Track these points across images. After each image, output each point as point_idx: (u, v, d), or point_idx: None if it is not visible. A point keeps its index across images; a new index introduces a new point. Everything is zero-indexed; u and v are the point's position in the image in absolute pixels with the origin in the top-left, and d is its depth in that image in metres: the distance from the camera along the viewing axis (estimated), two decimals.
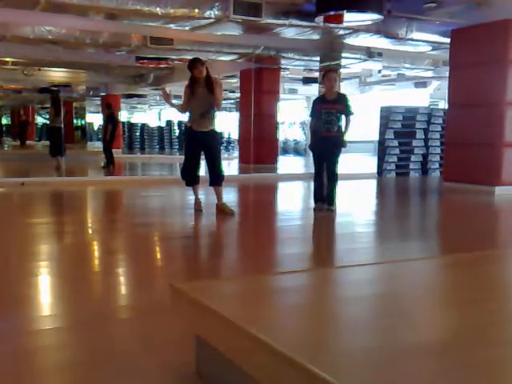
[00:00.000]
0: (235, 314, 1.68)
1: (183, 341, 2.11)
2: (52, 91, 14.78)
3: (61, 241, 4.71)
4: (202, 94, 5.75)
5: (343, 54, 10.88)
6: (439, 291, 2.13)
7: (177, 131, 24.71)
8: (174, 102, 6.72)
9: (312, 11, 7.26)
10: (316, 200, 6.21)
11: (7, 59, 12.82)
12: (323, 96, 6.12)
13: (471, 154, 8.22)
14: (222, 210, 5.91)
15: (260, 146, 12.77)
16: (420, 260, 3.22)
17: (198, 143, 5.83)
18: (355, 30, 8.90)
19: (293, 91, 17.62)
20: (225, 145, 22.55)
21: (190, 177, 6.01)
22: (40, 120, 29.31)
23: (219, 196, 5.97)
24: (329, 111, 5.86)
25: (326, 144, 5.97)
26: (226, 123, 22.18)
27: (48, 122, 12.47)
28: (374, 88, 17.60)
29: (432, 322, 1.74)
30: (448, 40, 8.62)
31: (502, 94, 7.85)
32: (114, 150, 18.96)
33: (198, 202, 6.05)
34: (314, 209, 6.19)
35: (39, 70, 14.40)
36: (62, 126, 11.61)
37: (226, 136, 23.72)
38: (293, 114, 23.32)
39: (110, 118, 12.47)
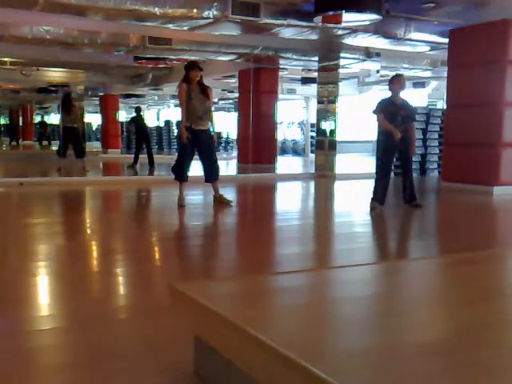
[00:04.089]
0: (234, 314, 1.67)
1: (182, 341, 2.11)
2: (64, 91, 14.67)
3: (59, 241, 4.69)
4: (198, 98, 6.07)
5: (342, 54, 10.88)
6: (439, 291, 2.13)
7: (175, 131, 24.68)
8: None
9: (310, 11, 7.25)
10: (378, 200, 6.23)
11: (5, 59, 12.78)
12: (392, 100, 6.21)
13: (470, 154, 8.22)
14: (221, 201, 6.42)
15: (259, 146, 12.75)
16: (420, 260, 3.22)
17: (196, 141, 6.12)
18: (354, 30, 8.89)
19: (291, 91, 17.61)
20: (223, 145, 22.52)
21: (182, 173, 6.29)
22: (38, 120, 29.20)
23: (217, 189, 6.46)
24: (403, 116, 6.19)
25: (404, 144, 6.23)
26: (225, 123, 22.17)
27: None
28: (373, 88, 17.59)
29: (432, 321, 1.74)
30: (446, 40, 8.62)
31: (501, 94, 7.85)
32: (112, 151, 19.05)
33: (182, 198, 6.30)
34: (373, 208, 6.21)
35: (37, 70, 14.36)
36: (76, 125, 11.47)
37: (224, 136, 23.69)
38: (291, 114, 23.30)
39: (134, 121, 13.01)
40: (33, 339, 2.39)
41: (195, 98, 6.04)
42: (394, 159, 6.75)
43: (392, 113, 6.13)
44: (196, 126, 6.07)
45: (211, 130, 6.30)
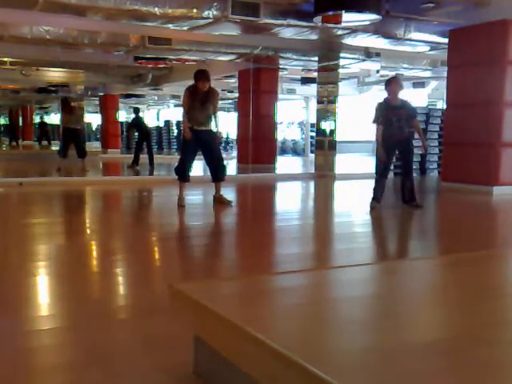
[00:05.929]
0: (234, 314, 1.67)
1: (182, 341, 2.11)
2: (64, 97, 14.71)
3: (59, 241, 4.69)
4: (200, 107, 6.15)
5: (341, 54, 10.88)
6: (439, 291, 2.13)
7: (175, 131, 24.67)
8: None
9: (310, 11, 7.24)
10: (377, 199, 6.29)
11: (5, 59, 12.78)
12: (388, 102, 6.25)
13: (469, 154, 8.22)
14: (220, 201, 6.45)
15: (258, 146, 12.76)
16: (420, 260, 3.22)
17: (198, 141, 6.19)
18: (353, 30, 8.89)
19: (291, 91, 17.61)
20: (223, 145, 22.52)
21: (185, 173, 6.34)
22: (37, 120, 29.19)
23: (219, 189, 6.50)
24: (399, 117, 6.19)
25: (402, 144, 6.29)
26: (225, 123, 22.16)
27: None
28: (373, 88, 17.59)
29: (431, 321, 1.74)
30: (446, 40, 8.62)
31: (500, 94, 7.85)
32: (111, 151, 19.03)
33: (182, 198, 6.33)
34: (372, 208, 6.25)
35: (37, 70, 14.37)
36: (79, 127, 11.48)
37: (224, 136, 23.68)
38: (291, 114, 23.31)
39: (135, 123, 12.95)
40: (33, 339, 2.39)
41: (197, 107, 6.13)
42: (394, 159, 6.78)
43: (388, 118, 6.16)
44: (198, 126, 6.19)
45: (213, 130, 6.34)
